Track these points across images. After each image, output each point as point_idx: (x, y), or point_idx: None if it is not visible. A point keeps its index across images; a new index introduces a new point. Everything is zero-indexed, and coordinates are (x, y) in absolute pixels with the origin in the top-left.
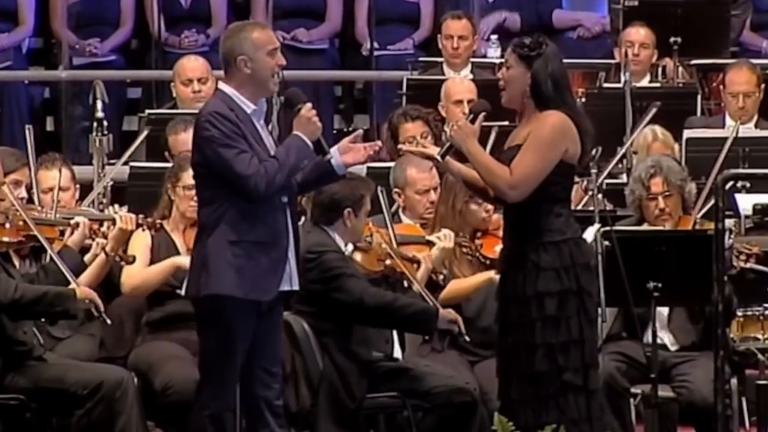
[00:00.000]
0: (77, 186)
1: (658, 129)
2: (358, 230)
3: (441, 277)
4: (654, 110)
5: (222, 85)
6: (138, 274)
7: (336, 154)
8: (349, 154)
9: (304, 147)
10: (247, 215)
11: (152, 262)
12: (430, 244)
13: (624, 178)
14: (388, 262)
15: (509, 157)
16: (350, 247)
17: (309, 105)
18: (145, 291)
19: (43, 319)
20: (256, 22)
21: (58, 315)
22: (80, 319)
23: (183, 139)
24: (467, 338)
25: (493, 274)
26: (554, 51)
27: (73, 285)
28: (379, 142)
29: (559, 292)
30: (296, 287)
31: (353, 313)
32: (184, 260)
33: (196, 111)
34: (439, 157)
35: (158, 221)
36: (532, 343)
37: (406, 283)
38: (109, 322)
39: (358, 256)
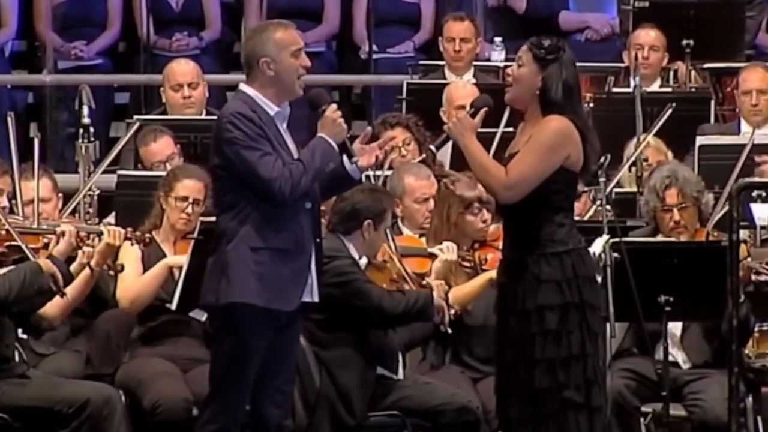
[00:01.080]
0: (60, 196)
1: (649, 137)
2: (375, 244)
3: (452, 312)
4: (669, 111)
5: (243, 87)
6: (133, 285)
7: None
8: (363, 157)
9: (329, 149)
10: (270, 221)
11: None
12: (432, 256)
13: (633, 187)
14: (405, 286)
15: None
16: (364, 260)
17: (334, 106)
18: (143, 302)
19: (24, 331)
20: (280, 21)
21: (36, 294)
22: (65, 335)
23: (154, 150)
24: (449, 330)
25: (493, 274)
26: (571, 59)
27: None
28: (391, 134)
29: (561, 306)
30: (316, 299)
31: (370, 318)
32: (176, 259)
33: (187, 117)
34: (433, 148)
35: (147, 235)
36: (532, 359)
37: None
38: (69, 298)
39: (370, 273)
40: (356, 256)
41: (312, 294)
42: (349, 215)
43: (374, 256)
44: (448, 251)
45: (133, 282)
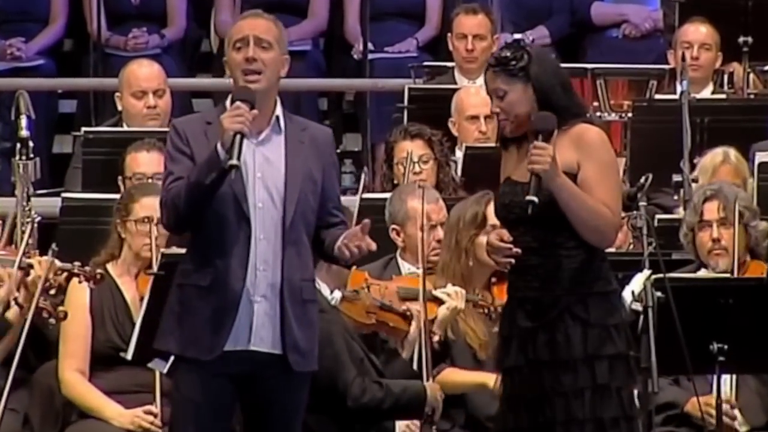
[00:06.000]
0: None
1: (731, 151)
2: (344, 271)
3: (436, 338)
4: None
5: None
6: (80, 389)
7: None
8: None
9: (211, 157)
10: (198, 252)
11: (93, 320)
12: (437, 301)
13: (681, 213)
14: (384, 316)
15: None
16: (337, 294)
17: (234, 105)
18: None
19: None
20: (250, 11)
21: None
22: None
23: (143, 160)
24: (435, 430)
25: (490, 380)
26: (542, 50)
27: None
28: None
29: (610, 356)
30: (274, 350)
31: (336, 403)
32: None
33: (148, 130)
34: (534, 199)
35: (99, 270)
36: (574, 418)
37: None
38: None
39: (344, 307)
40: (327, 293)
41: (259, 341)
42: None
43: (344, 283)
44: (455, 297)
45: (82, 388)
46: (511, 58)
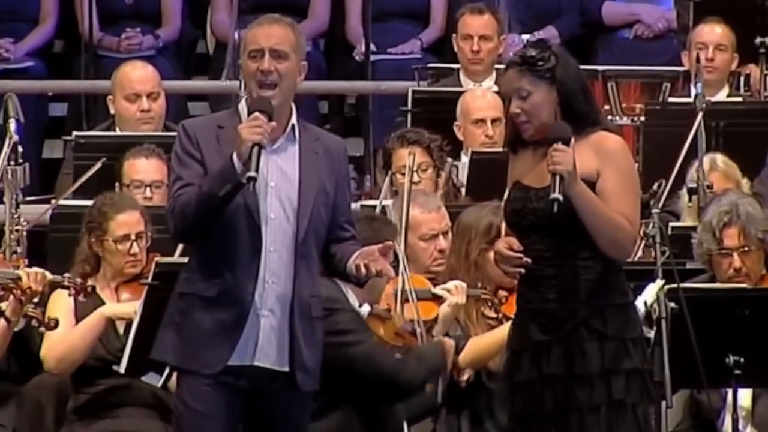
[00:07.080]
0: None
1: (719, 157)
2: (378, 286)
3: (465, 376)
4: None
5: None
6: (61, 341)
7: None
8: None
9: (226, 168)
10: (205, 262)
11: None
12: (437, 299)
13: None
14: (411, 341)
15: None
16: (366, 308)
17: (252, 115)
18: (73, 361)
19: None
20: (264, 16)
21: None
22: None
23: (141, 166)
24: (439, 397)
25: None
26: (565, 52)
27: None
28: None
29: (627, 371)
30: (279, 366)
31: (377, 390)
32: (117, 308)
33: (142, 134)
34: (560, 197)
35: (90, 283)
36: None
37: None
38: None
39: (373, 325)
40: (356, 305)
41: (263, 357)
42: None
43: (377, 300)
44: (456, 292)
45: (62, 337)
46: (538, 58)
